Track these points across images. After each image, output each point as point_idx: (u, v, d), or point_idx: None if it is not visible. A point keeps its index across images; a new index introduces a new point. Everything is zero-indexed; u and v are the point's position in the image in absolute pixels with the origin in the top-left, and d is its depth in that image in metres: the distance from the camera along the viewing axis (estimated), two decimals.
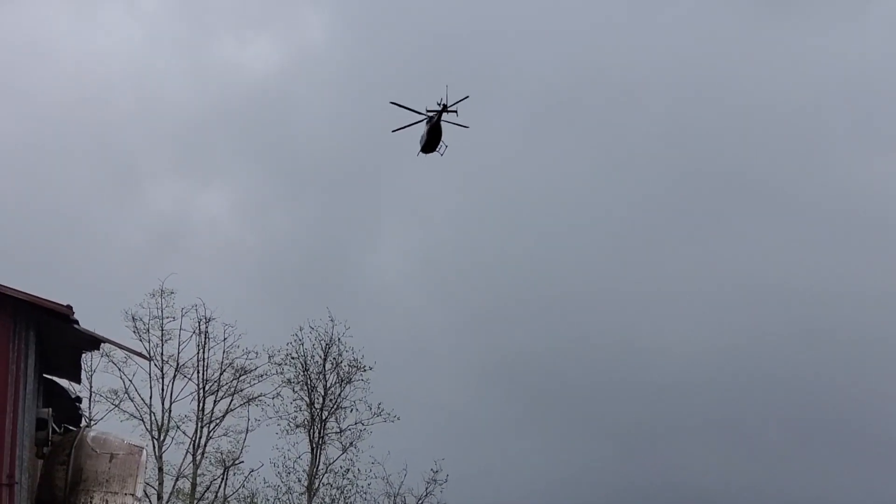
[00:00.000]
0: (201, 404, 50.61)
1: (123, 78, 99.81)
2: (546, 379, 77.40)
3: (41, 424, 23.93)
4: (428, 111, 43.19)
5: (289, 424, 51.61)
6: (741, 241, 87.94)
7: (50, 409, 24.58)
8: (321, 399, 51.89)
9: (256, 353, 51.45)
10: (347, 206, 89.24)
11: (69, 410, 28.24)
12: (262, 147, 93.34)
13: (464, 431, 66.89)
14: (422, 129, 45.31)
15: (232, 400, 50.99)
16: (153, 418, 49.70)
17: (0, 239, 63.71)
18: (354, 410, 51.76)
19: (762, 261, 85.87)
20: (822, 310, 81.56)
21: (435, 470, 51.50)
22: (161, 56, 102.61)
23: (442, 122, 43.65)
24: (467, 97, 42.11)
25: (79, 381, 28.38)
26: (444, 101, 42.74)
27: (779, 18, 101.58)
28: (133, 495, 24.60)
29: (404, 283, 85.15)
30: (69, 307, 21.95)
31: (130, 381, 49.67)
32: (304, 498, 50.79)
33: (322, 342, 52.32)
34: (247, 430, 51.02)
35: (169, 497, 49.49)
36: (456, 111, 42.61)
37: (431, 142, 44.52)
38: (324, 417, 51.65)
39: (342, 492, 51.09)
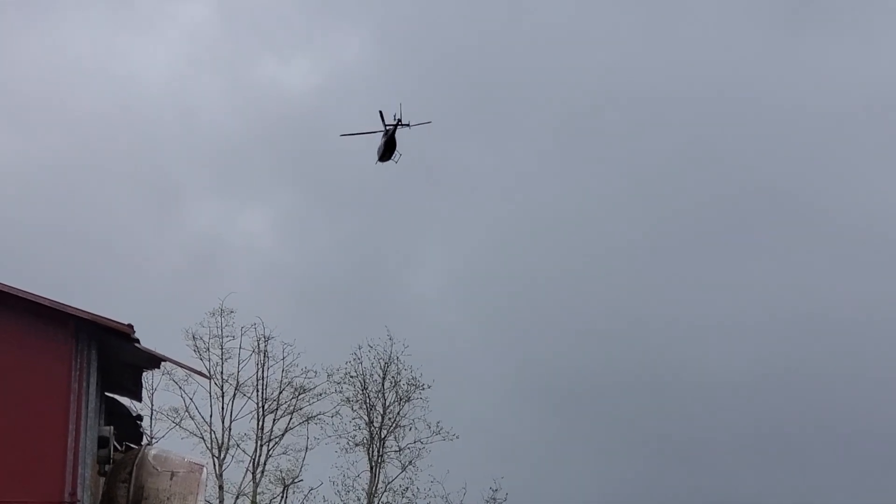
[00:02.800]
0: (261, 423, 50.82)
1: (164, 97, 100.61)
2: (589, 397, 77.12)
3: (103, 442, 24.08)
4: (385, 126, 48.65)
5: (348, 443, 51.71)
6: (775, 264, 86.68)
7: (112, 428, 24.76)
8: (380, 418, 51.93)
9: (315, 371, 51.64)
10: (386, 225, 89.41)
11: (130, 428, 28.42)
12: (300, 166, 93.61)
13: (516, 449, 66.61)
14: (379, 140, 50.35)
15: (291, 418, 51.14)
16: (213, 436, 49.96)
17: (40, 257, 64.48)
18: (413, 429, 51.79)
19: (797, 283, 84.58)
20: (860, 336, 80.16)
21: (494, 489, 51.35)
22: (202, 75, 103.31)
23: (396, 135, 49.40)
24: (430, 122, 48.99)
25: (140, 399, 28.58)
26: (398, 117, 48.19)
27: (804, 32, 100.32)
28: None
29: (444, 301, 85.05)
30: (130, 326, 22.11)
31: (191, 399, 50.00)
32: None
33: (381, 361, 52.46)
34: (306, 448, 51.18)
35: None
36: (409, 125, 48.26)
37: (387, 152, 49.81)
38: (383, 436, 51.67)
39: None
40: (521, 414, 74.21)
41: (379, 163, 50.80)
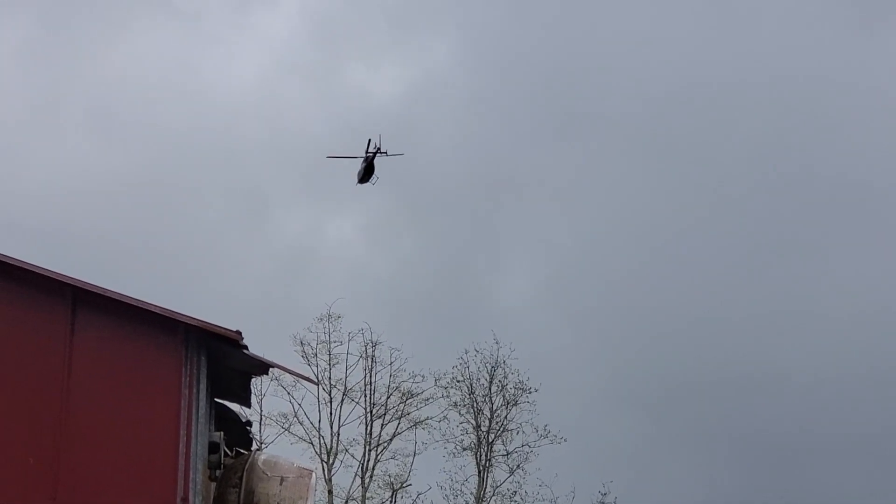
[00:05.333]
0: (369, 427, 51.09)
1: (252, 106, 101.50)
2: (686, 398, 76.07)
3: (213, 448, 24.26)
4: (367, 152, 54.02)
5: (455, 447, 51.78)
6: (872, 259, 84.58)
7: (222, 433, 24.94)
8: (487, 422, 51.90)
9: (423, 376, 51.78)
10: (473, 231, 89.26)
11: (240, 434, 28.65)
12: (388, 171, 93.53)
13: (616, 452, 66.06)
14: (359, 164, 55.26)
15: (399, 423, 51.34)
16: (322, 441, 50.36)
17: (131, 269, 65.58)
18: (521, 433, 51.65)
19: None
20: None
21: (603, 492, 51.06)
22: (289, 82, 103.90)
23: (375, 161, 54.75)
24: (402, 154, 54.80)
25: (249, 405, 28.77)
26: (378, 145, 53.53)
27: (884, 21, 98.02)
28: None
29: (534, 306, 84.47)
30: (238, 332, 22.28)
31: (299, 404, 50.50)
32: None
33: (487, 365, 52.43)
34: (414, 453, 51.41)
35: None
36: (386, 153, 53.73)
37: (366, 175, 54.87)
38: (490, 440, 51.63)
39: None
40: (618, 416, 73.66)
41: (358, 185, 56.23)
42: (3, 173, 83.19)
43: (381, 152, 53.71)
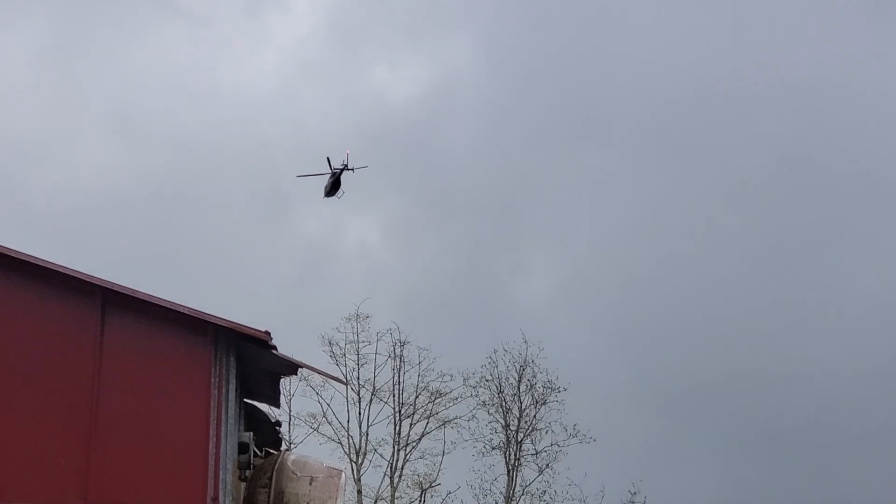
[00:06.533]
0: (398, 427, 51.07)
1: (272, 105, 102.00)
2: (706, 396, 76.00)
3: (243, 448, 24.34)
4: (333, 169, 57.21)
5: (484, 447, 51.71)
6: (887, 256, 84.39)
7: (251, 433, 25.02)
8: (516, 421, 51.81)
9: (451, 375, 51.74)
10: (493, 231, 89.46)
11: (269, 434, 28.74)
12: (408, 172, 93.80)
13: (634, 451, 66.02)
14: (327, 179, 58.07)
15: (428, 423, 51.31)
16: (351, 441, 50.35)
17: (155, 269, 66.09)
18: (550, 432, 51.55)
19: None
20: None
21: (633, 492, 50.90)
22: (307, 83, 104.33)
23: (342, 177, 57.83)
24: (366, 166, 58.08)
25: (278, 405, 28.85)
26: (345, 162, 56.81)
27: None
28: None
29: (554, 306, 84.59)
30: (267, 333, 22.31)
31: (328, 404, 50.51)
32: None
33: (516, 364, 52.34)
34: (443, 452, 51.36)
35: None
36: (353, 169, 57.08)
37: (332, 189, 58.05)
38: (519, 439, 51.53)
39: None
40: (646, 415, 73.73)
41: (325, 198, 59.17)
42: (23, 176, 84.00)
43: (347, 169, 56.68)
